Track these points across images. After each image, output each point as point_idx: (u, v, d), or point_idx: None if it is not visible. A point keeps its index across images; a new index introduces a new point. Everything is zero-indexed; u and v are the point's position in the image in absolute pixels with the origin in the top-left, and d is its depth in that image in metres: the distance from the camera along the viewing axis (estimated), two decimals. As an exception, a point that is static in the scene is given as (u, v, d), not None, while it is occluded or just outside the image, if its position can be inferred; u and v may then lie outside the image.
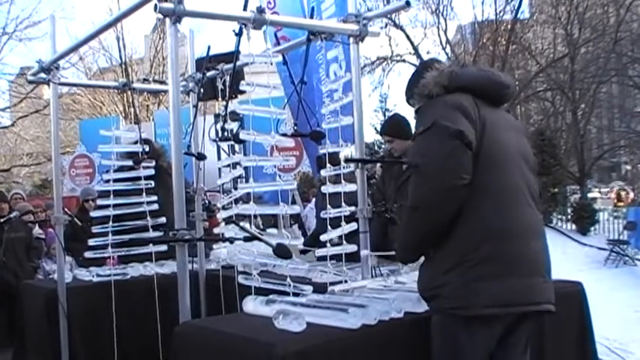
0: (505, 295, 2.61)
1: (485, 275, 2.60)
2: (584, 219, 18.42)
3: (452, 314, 2.65)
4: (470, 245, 2.64)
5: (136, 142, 5.09)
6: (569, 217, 19.36)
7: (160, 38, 25.38)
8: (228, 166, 3.91)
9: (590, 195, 25.53)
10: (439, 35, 25.80)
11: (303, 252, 5.02)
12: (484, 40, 25.88)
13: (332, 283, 3.51)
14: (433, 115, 2.73)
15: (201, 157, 4.23)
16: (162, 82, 5.66)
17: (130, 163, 4.99)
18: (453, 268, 2.64)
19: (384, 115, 28.79)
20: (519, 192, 2.77)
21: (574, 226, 18.80)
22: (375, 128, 27.19)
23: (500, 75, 3.00)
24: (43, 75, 4.75)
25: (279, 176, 3.68)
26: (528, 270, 2.69)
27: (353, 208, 3.73)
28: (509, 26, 25.29)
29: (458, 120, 2.66)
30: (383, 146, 14.83)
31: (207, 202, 4.82)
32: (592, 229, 18.56)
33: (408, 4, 3.80)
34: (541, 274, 2.75)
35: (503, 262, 2.63)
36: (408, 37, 25.42)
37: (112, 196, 4.79)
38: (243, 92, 3.73)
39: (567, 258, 12.95)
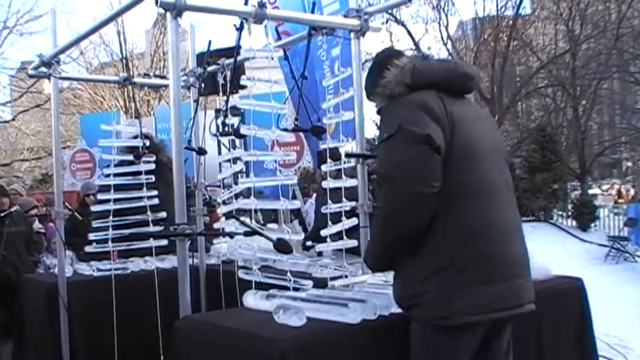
0: (489, 301, 2.52)
1: (468, 282, 2.50)
2: (585, 215, 18.40)
3: (433, 324, 2.54)
4: (449, 250, 2.52)
5: (136, 137, 5.09)
6: (570, 213, 19.36)
7: (160, 33, 25.37)
8: (229, 160, 3.91)
9: (590, 191, 25.51)
10: (440, 31, 25.81)
11: (306, 248, 5.03)
12: (485, 36, 25.86)
13: (332, 278, 3.52)
14: (398, 118, 2.59)
15: (201, 151, 4.24)
16: (163, 77, 5.64)
17: (130, 157, 4.99)
18: (431, 275, 2.52)
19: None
20: (496, 189, 2.67)
21: (574, 223, 18.79)
22: (376, 123, 27.17)
23: (464, 66, 2.91)
24: (43, 69, 4.74)
25: (280, 171, 3.67)
26: (511, 272, 2.60)
27: (354, 204, 3.74)
28: (510, 22, 25.29)
29: (424, 123, 2.53)
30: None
31: (207, 196, 4.83)
32: (592, 225, 18.54)
33: (409, -1, 3.79)
34: (522, 275, 2.67)
35: (485, 267, 2.53)
36: (409, 32, 25.41)
37: (112, 190, 4.79)
38: (244, 87, 3.72)
39: (567, 254, 12.96)
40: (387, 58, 2.86)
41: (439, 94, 2.65)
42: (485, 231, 2.56)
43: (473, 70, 2.86)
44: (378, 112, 2.84)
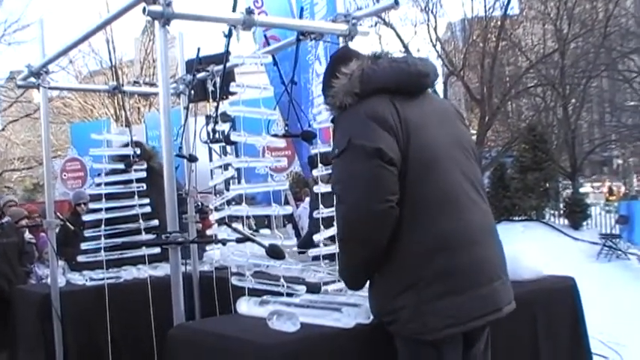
0: (466, 310, 2.45)
1: (443, 293, 2.42)
2: (577, 214, 18.46)
3: (414, 339, 2.49)
4: (419, 262, 2.44)
5: (126, 145, 5.08)
6: (562, 212, 19.42)
7: (149, 40, 25.30)
8: (220, 167, 3.91)
9: (582, 189, 25.59)
10: (429, 33, 25.81)
11: (302, 252, 5.03)
12: (474, 37, 25.91)
13: (325, 283, 3.52)
14: (348, 132, 2.50)
15: (192, 158, 4.23)
16: (153, 85, 5.66)
17: (121, 166, 4.98)
18: (403, 292, 2.45)
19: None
20: (461, 191, 2.55)
21: (566, 221, 18.84)
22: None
23: (417, 63, 2.67)
24: (32, 79, 4.74)
25: (271, 176, 3.68)
26: (485, 278, 2.52)
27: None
28: (498, 23, 25.34)
29: (374, 135, 2.43)
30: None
31: (199, 203, 4.82)
32: (584, 223, 18.60)
33: (396, 2, 3.80)
34: (498, 277, 2.58)
35: (459, 276, 2.45)
36: (398, 35, 25.42)
37: (103, 199, 4.78)
38: (233, 93, 3.73)
39: (560, 253, 12.96)
40: (335, 63, 2.74)
41: (392, 98, 2.54)
42: (452, 240, 2.47)
43: (428, 67, 2.70)
44: (332, 121, 2.76)
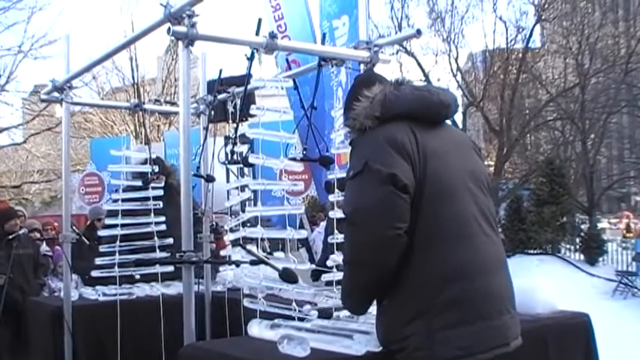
0: (474, 342, 2.43)
1: (451, 323, 2.40)
2: (593, 249, 18.29)
3: None
4: (429, 291, 2.42)
5: (145, 162, 5.12)
6: (578, 247, 19.25)
7: (172, 59, 25.56)
8: (237, 188, 3.93)
9: (599, 225, 25.39)
10: (450, 63, 25.95)
11: (316, 278, 5.02)
12: (495, 69, 25.99)
13: (337, 309, 3.50)
14: (364, 155, 2.50)
15: (210, 179, 4.25)
16: (174, 104, 5.70)
17: (139, 183, 5.02)
18: (411, 320, 2.43)
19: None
20: (474, 222, 2.54)
21: (582, 256, 18.68)
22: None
23: (439, 93, 2.70)
24: (56, 94, 4.80)
25: (288, 200, 3.69)
26: (495, 310, 2.50)
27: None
28: (520, 55, 25.43)
29: (391, 161, 2.43)
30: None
31: (214, 223, 4.83)
32: (600, 259, 18.41)
33: (419, 32, 3.83)
34: (507, 310, 2.57)
35: (470, 306, 2.44)
36: (419, 64, 25.59)
37: (120, 215, 4.81)
38: (253, 116, 3.76)
39: (575, 288, 12.85)
40: (358, 86, 2.76)
41: (411, 125, 2.55)
42: (463, 271, 2.46)
43: (449, 97, 2.71)
44: (350, 144, 2.76)
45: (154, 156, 5.16)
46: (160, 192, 4.98)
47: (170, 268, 4.71)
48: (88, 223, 8.54)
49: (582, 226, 20.72)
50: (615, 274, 15.85)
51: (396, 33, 23.19)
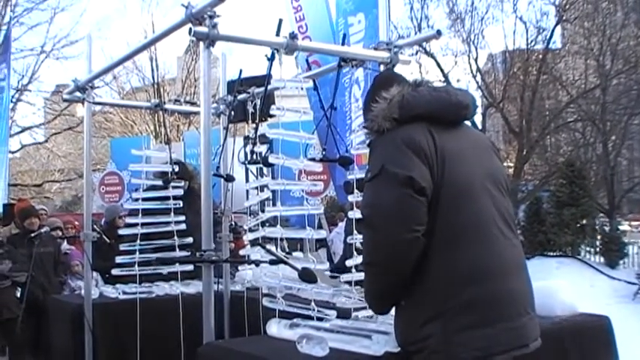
0: (493, 343, 2.42)
1: (470, 324, 2.40)
2: (613, 252, 18.08)
3: None
4: (448, 292, 2.42)
5: (166, 162, 5.16)
6: (598, 249, 19.07)
7: (192, 60, 25.70)
8: (256, 188, 3.94)
9: (620, 228, 25.15)
10: (469, 63, 25.80)
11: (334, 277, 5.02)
12: (515, 69, 25.80)
13: (356, 309, 3.51)
14: (382, 157, 2.51)
15: (229, 178, 4.27)
16: (194, 104, 5.72)
17: (159, 182, 5.05)
18: (430, 321, 2.43)
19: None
20: (493, 225, 2.54)
21: (602, 259, 18.49)
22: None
23: (457, 94, 2.69)
24: (78, 94, 4.84)
25: (307, 200, 3.69)
26: (514, 311, 2.50)
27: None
28: (540, 56, 25.24)
29: (408, 163, 2.43)
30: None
31: (233, 223, 4.85)
32: (621, 262, 18.21)
33: (439, 32, 3.83)
34: (526, 312, 2.56)
35: (486, 308, 2.43)
36: (438, 64, 25.48)
37: (140, 214, 4.84)
38: (273, 116, 3.77)
39: (595, 291, 12.77)
40: (377, 87, 2.77)
41: (429, 126, 2.54)
42: (483, 272, 2.46)
43: (467, 98, 2.71)
44: (368, 145, 2.77)
45: (175, 156, 5.19)
46: (180, 192, 5.01)
47: (189, 267, 4.74)
48: (104, 221, 8.44)
49: (603, 229, 20.53)
50: (636, 277, 15.65)
51: (416, 34, 23.15)
